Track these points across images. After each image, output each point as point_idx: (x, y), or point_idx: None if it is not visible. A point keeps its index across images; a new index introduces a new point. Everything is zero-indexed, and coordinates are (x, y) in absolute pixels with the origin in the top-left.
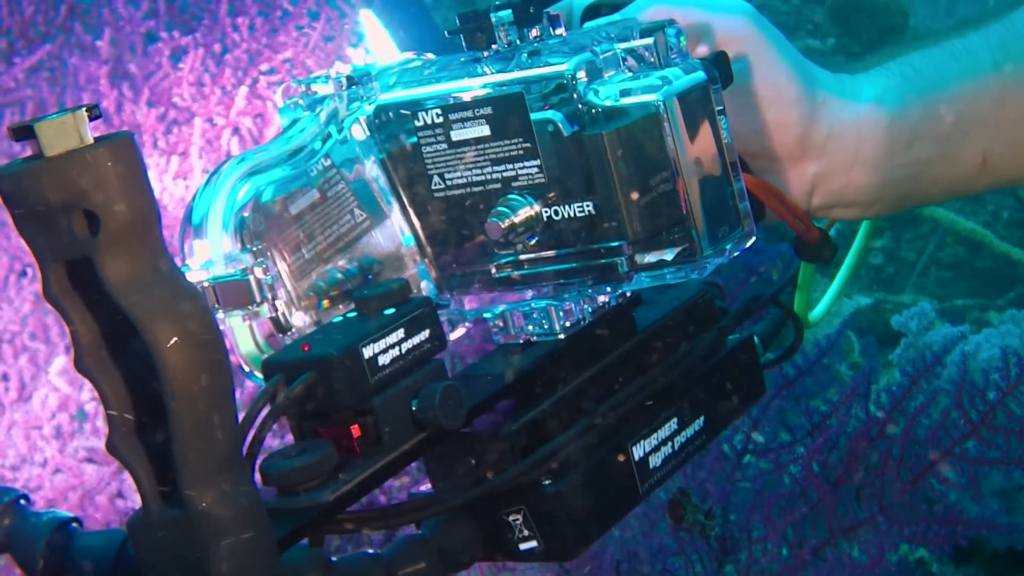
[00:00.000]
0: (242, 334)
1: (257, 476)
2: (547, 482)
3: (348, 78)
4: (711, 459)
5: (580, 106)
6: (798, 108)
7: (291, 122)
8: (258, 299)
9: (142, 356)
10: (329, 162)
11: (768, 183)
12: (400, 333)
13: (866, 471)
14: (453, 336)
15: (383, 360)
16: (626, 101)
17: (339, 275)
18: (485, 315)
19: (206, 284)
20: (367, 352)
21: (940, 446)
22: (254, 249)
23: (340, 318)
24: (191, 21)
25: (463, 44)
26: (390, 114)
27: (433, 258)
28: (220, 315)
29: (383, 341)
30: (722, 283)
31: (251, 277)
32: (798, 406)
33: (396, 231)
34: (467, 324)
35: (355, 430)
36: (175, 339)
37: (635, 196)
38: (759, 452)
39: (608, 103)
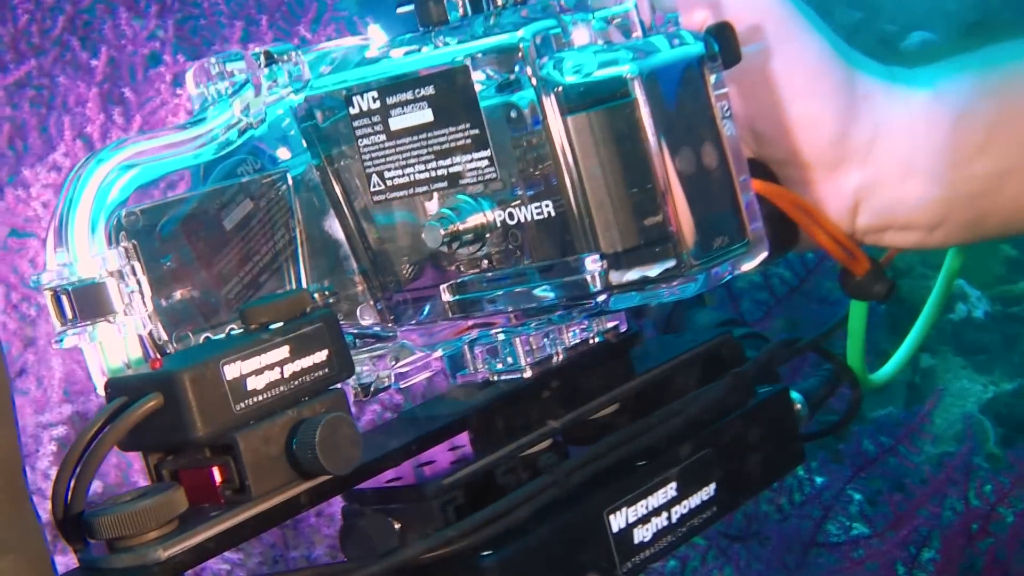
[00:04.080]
0: (113, 351)
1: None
2: (486, 553)
3: (266, 54)
4: (769, 551)
5: (536, 84)
6: (835, 101)
7: (202, 107)
8: (118, 308)
9: None
10: (259, 164)
11: (799, 197)
12: (282, 352)
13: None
14: (412, 380)
15: (254, 384)
16: (594, 76)
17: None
18: (440, 350)
19: (52, 290)
20: (230, 371)
21: None
22: (124, 247)
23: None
24: (201, 45)
25: (417, 19)
26: (322, 102)
27: (374, 279)
28: (74, 331)
29: (255, 360)
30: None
31: (110, 281)
32: (878, 491)
33: (340, 246)
34: (434, 363)
35: (217, 472)
36: None
37: (605, 197)
38: (829, 545)
39: (571, 79)
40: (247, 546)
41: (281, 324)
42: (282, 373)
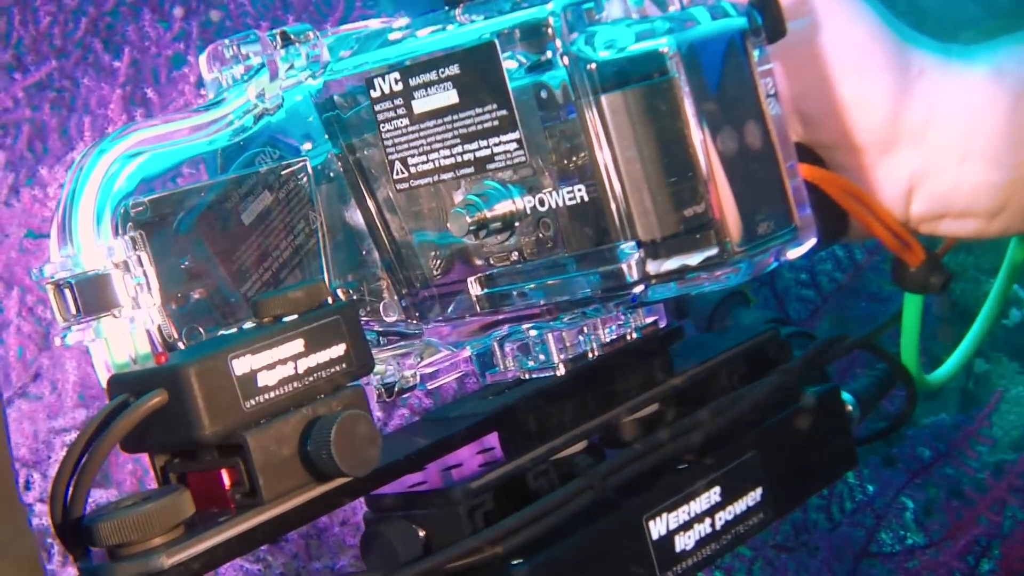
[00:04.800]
0: (120, 347)
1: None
2: (517, 561)
3: (283, 34)
4: (818, 562)
5: (567, 61)
6: (887, 78)
7: (217, 93)
8: (124, 301)
9: None
10: (278, 154)
11: (849, 182)
12: (296, 345)
13: None
14: (440, 381)
15: (266, 380)
16: (629, 51)
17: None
18: (467, 347)
19: (55, 283)
20: (240, 366)
21: None
22: (130, 237)
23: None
24: None
25: None
26: (342, 87)
27: (399, 273)
28: (79, 327)
29: (267, 354)
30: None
31: (115, 272)
32: (934, 499)
33: (363, 240)
34: (463, 363)
35: (225, 475)
36: None
37: (642, 181)
38: (882, 556)
39: (604, 55)
40: (268, 557)
41: (295, 317)
42: (296, 368)
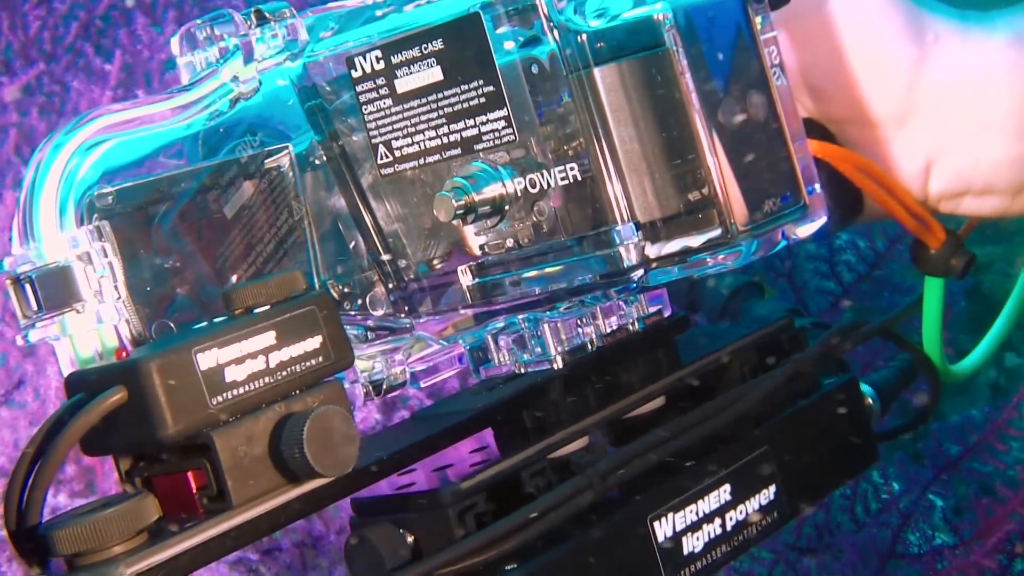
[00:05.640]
0: (84, 342)
1: None
2: (511, 567)
3: (257, 12)
4: (843, 564)
5: (555, 31)
6: (900, 45)
7: (193, 77)
8: (86, 295)
9: None
10: (257, 141)
11: (864, 159)
12: (267, 338)
13: None
14: (433, 379)
15: (234, 374)
16: (621, 19)
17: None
18: (460, 341)
19: (13, 278)
20: (205, 360)
21: None
22: (93, 227)
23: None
24: None
25: None
26: (324, 73)
27: (386, 264)
28: (42, 323)
29: (235, 347)
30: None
31: (77, 264)
32: (964, 496)
33: (350, 230)
34: (456, 359)
35: (192, 478)
36: None
37: (640, 159)
38: (909, 557)
39: (595, 24)
40: (260, 567)
41: (268, 308)
42: (267, 362)
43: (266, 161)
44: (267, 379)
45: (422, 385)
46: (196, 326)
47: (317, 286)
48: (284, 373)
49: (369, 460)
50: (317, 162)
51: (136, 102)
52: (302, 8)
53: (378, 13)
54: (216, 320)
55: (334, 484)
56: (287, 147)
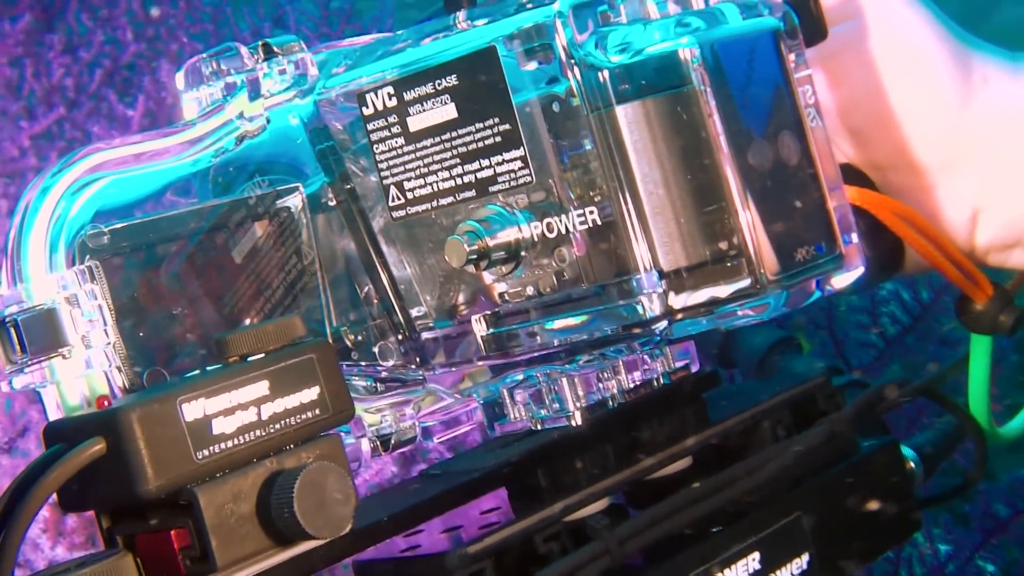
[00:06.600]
0: (72, 389)
1: None
2: None
3: (265, 46)
4: None
5: (575, 68)
6: (946, 86)
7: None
8: (73, 339)
9: None
10: (267, 181)
11: (906, 207)
12: (259, 388)
13: None
14: (447, 436)
15: (221, 427)
16: (645, 54)
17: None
18: (474, 395)
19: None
20: (190, 411)
21: None
22: (83, 268)
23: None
24: None
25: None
26: (333, 106)
27: (397, 313)
28: (30, 368)
29: (224, 397)
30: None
31: (63, 307)
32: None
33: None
34: (469, 414)
35: (175, 537)
36: None
37: (665, 203)
38: None
39: (617, 59)
40: None
41: (262, 356)
42: (259, 414)
43: (276, 202)
44: (258, 432)
45: (436, 440)
46: (187, 375)
47: (329, 334)
48: (277, 426)
49: (370, 520)
50: (329, 203)
51: (131, 139)
52: (313, 44)
53: (393, 48)
54: (208, 369)
55: (328, 546)
56: (298, 187)
